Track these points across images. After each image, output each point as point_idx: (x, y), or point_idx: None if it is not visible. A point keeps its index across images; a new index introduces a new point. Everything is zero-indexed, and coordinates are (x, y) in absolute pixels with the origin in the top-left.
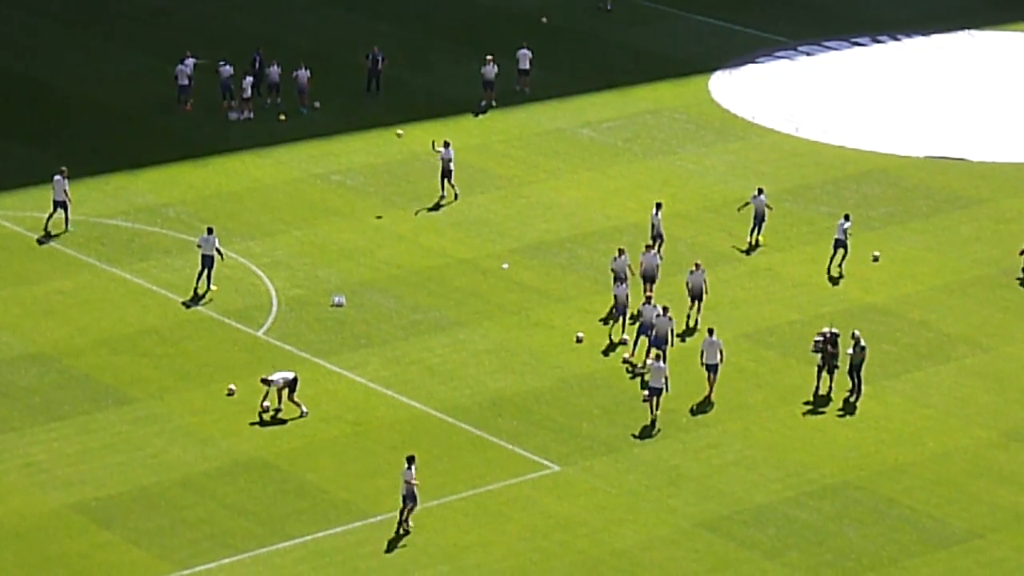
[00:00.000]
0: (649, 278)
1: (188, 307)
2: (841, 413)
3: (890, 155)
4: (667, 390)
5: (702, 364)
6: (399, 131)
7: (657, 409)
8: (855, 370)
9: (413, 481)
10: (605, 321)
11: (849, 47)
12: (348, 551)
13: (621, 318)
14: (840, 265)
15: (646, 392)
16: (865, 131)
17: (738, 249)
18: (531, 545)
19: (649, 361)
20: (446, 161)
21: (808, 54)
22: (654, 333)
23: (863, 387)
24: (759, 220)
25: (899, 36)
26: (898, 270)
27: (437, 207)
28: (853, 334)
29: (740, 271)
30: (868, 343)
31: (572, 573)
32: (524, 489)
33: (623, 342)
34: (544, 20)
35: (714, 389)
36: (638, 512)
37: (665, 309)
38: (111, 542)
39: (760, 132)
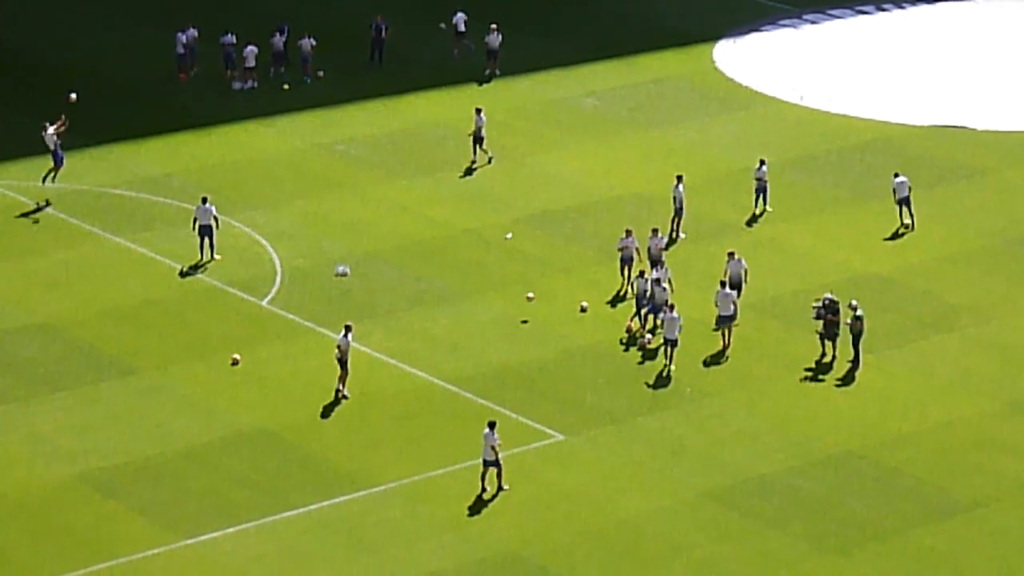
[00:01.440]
0: (655, 261)
1: (184, 276)
2: (843, 383)
3: (895, 124)
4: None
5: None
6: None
7: (671, 362)
8: (854, 340)
9: (497, 444)
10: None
11: (854, 15)
12: (352, 521)
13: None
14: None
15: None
16: (870, 100)
17: (742, 220)
18: (535, 515)
19: (663, 315)
20: (478, 127)
21: (813, 23)
22: (650, 303)
23: (861, 357)
24: (762, 191)
25: (904, 4)
26: (902, 240)
27: (470, 171)
28: (851, 304)
29: (744, 241)
30: (871, 313)
31: (576, 543)
32: (528, 459)
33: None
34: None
35: (731, 342)
36: (642, 482)
37: (657, 280)
38: (115, 512)
39: (764, 101)
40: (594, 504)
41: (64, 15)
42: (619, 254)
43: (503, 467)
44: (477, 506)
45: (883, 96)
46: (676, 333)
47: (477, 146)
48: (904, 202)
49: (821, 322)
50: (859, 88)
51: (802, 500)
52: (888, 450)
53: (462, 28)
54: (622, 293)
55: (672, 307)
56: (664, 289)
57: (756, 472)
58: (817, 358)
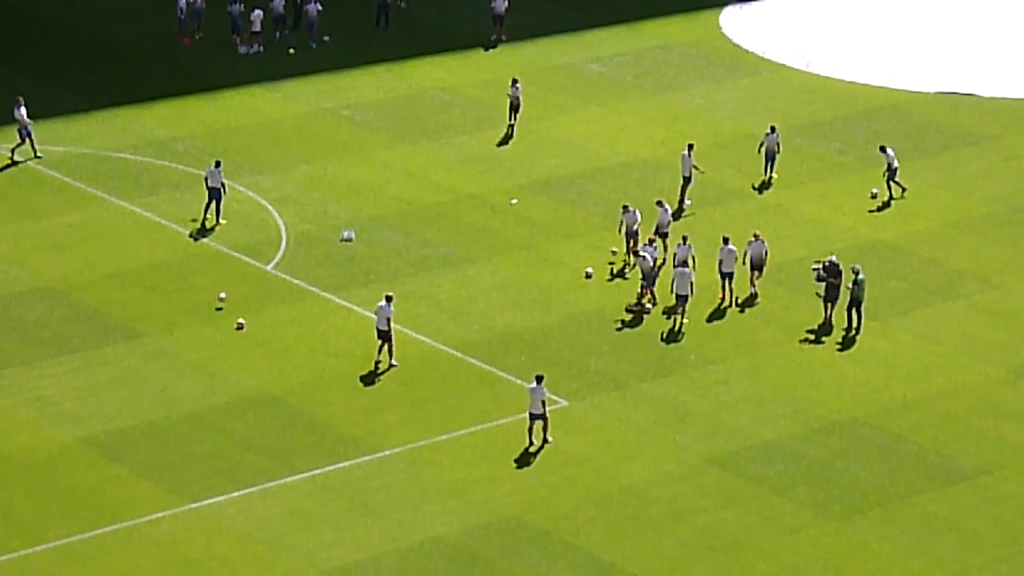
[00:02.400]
0: (662, 235)
1: (196, 239)
2: (847, 349)
3: (901, 91)
4: (692, 294)
5: (720, 272)
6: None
7: (684, 316)
8: (855, 305)
9: (546, 397)
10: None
11: None
12: (356, 485)
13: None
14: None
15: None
16: (876, 66)
17: (748, 185)
18: (539, 480)
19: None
20: (515, 98)
21: None
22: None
23: (862, 322)
24: (771, 158)
25: None
26: (907, 207)
27: (507, 140)
28: (853, 268)
29: (749, 207)
30: (877, 280)
31: (580, 508)
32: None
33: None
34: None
35: (732, 296)
36: (646, 448)
37: (651, 241)
38: (120, 475)
39: (771, 67)
40: (598, 469)
41: None
42: (622, 227)
43: (549, 420)
44: (481, 471)
45: (890, 62)
46: (688, 288)
47: (514, 114)
48: (893, 173)
49: (823, 284)
50: (866, 54)
51: (806, 466)
52: (893, 416)
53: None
54: (628, 266)
55: (684, 263)
56: (644, 258)
57: (760, 438)
58: (821, 322)
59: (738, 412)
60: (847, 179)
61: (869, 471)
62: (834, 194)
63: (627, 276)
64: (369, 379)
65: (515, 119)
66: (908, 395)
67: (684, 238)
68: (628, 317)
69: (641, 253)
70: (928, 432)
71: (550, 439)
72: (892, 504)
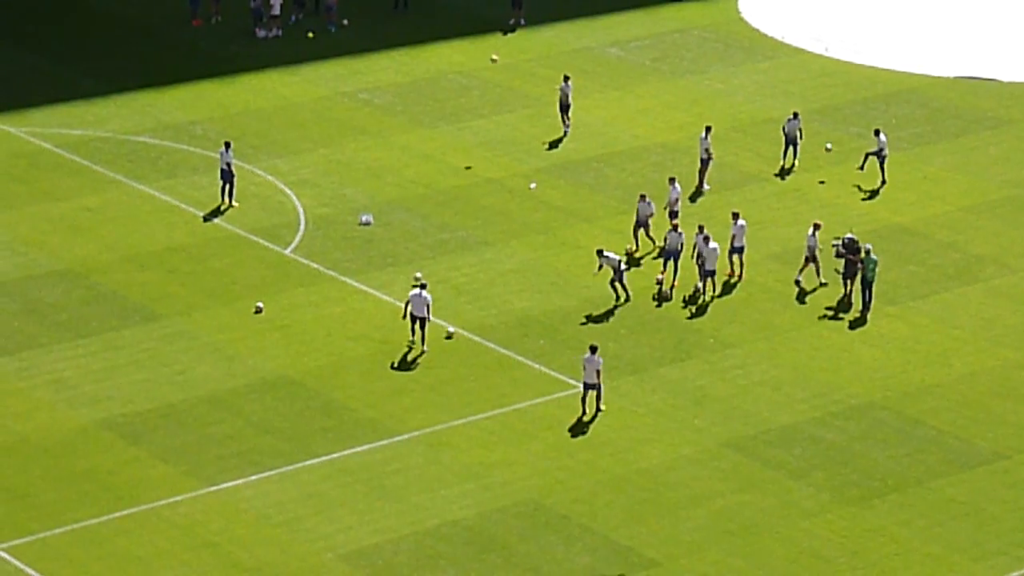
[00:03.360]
0: (672, 213)
1: (211, 223)
2: (865, 333)
3: (920, 75)
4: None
5: (731, 248)
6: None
7: (715, 290)
8: (866, 285)
9: (600, 366)
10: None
11: None
12: (374, 469)
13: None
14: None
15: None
16: (895, 51)
17: (767, 170)
18: (556, 464)
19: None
20: (565, 95)
21: None
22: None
23: (872, 301)
24: (792, 143)
25: None
26: (926, 190)
27: (557, 143)
28: (865, 248)
29: (768, 191)
30: (895, 264)
31: (597, 492)
32: (550, 408)
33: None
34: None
35: (743, 271)
36: (664, 431)
37: (675, 227)
38: (139, 458)
39: (789, 52)
40: (615, 453)
41: None
42: (636, 216)
43: (603, 389)
44: (498, 454)
45: (909, 47)
46: (715, 264)
47: (564, 115)
48: (881, 158)
49: (842, 261)
50: (885, 39)
51: (824, 450)
52: (911, 401)
53: None
54: (636, 253)
55: (708, 239)
56: (680, 234)
57: (778, 422)
58: (840, 298)
59: (756, 396)
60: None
61: (887, 455)
62: (852, 178)
63: (641, 264)
64: (387, 362)
65: (567, 118)
66: (926, 379)
67: (700, 227)
68: (650, 299)
69: (606, 253)
70: (946, 416)
71: (603, 407)
72: (910, 488)
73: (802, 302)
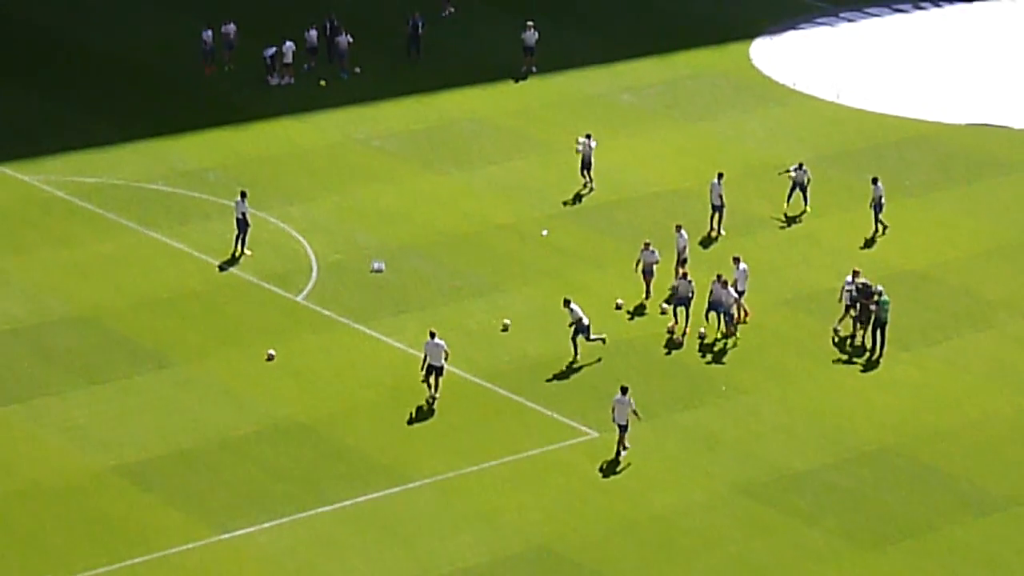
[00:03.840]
0: (681, 262)
1: (223, 270)
2: (877, 378)
3: (931, 122)
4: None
5: (735, 292)
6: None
7: (735, 332)
8: (879, 327)
9: (635, 407)
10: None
11: (891, 13)
12: (386, 514)
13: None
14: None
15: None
16: (906, 98)
17: (778, 215)
18: (569, 509)
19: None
20: (587, 152)
21: (850, 20)
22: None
23: (885, 344)
24: (799, 189)
25: (941, 3)
26: (938, 236)
27: (578, 198)
28: (877, 289)
29: (780, 237)
30: (907, 309)
31: (610, 538)
32: (562, 454)
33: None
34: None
35: (746, 315)
36: (676, 477)
37: (684, 275)
38: (151, 504)
39: (801, 98)
40: (628, 498)
41: (105, 6)
42: (639, 265)
43: (629, 428)
44: (510, 500)
45: (920, 94)
46: (732, 308)
47: (586, 171)
48: (878, 208)
49: (857, 305)
50: (896, 86)
51: (836, 495)
52: (924, 446)
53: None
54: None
55: (725, 283)
56: (690, 282)
57: (790, 467)
58: (853, 342)
59: (768, 441)
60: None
61: (900, 500)
62: (864, 223)
63: (646, 312)
64: (399, 408)
65: (589, 176)
66: (939, 424)
67: (719, 275)
68: (661, 345)
69: (572, 305)
70: (959, 461)
71: (627, 445)
72: (923, 534)
73: (814, 347)
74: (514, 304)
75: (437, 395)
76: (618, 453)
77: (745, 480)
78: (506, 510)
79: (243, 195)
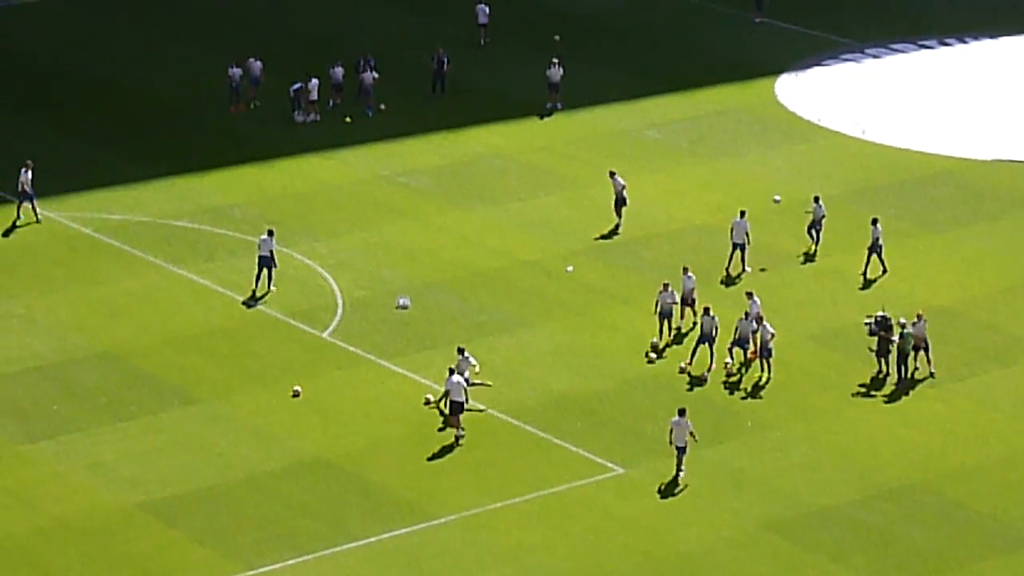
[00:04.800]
0: (689, 303)
1: (249, 306)
2: (905, 414)
3: (957, 158)
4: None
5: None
6: (569, 268)
7: (770, 371)
8: (903, 359)
9: (691, 428)
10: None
11: (916, 49)
12: (412, 551)
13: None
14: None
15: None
16: (932, 133)
17: (803, 251)
18: (595, 547)
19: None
20: (618, 190)
21: (875, 56)
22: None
23: (907, 375)
24: (813, 225)
25: (966, 39)
26: (964, 272)
27: (613, 233)
28: (899, 321)
29: (806, 273)
30: (934, 345)
31: (635, 575)
32: (588, 491)
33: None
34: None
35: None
36: (702, 514)
37: (706, 310)
38: (177, 541)
39: (826, 134)
40: (654, 535)
41: (131, 44)
42: (658, 306)
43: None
44: (536, 537)
45: (945, 129)
46: (770, 343)
47: (620, 208)
48: (876, 249)
49: (875, 339)
50: (921, 121)
51: (864, 533)
52: (951, 483)
53: (483, 20)
54: (661, 346)
55: (761, 318)
56: (713, 318)
57: (817, 504)
58: (874, 376)
59: (795, 478)
60: (903, 244)
61: (927, 538)
62: (890, 259)
63: (664, 355)
64: (424, 444)
65: (621, 213)
66: (966, 461)
67: (746, 313)
68: (686, 381)
69: (467, 354)
70: (987, 499)
71: (683, 468)
72: (951, 571)
73: (840, 383)
74: (539, 340)
75: (462, 431)
76: (676, 475)
77: (771, 516)
78: (532, 547)
79: (271, 233)
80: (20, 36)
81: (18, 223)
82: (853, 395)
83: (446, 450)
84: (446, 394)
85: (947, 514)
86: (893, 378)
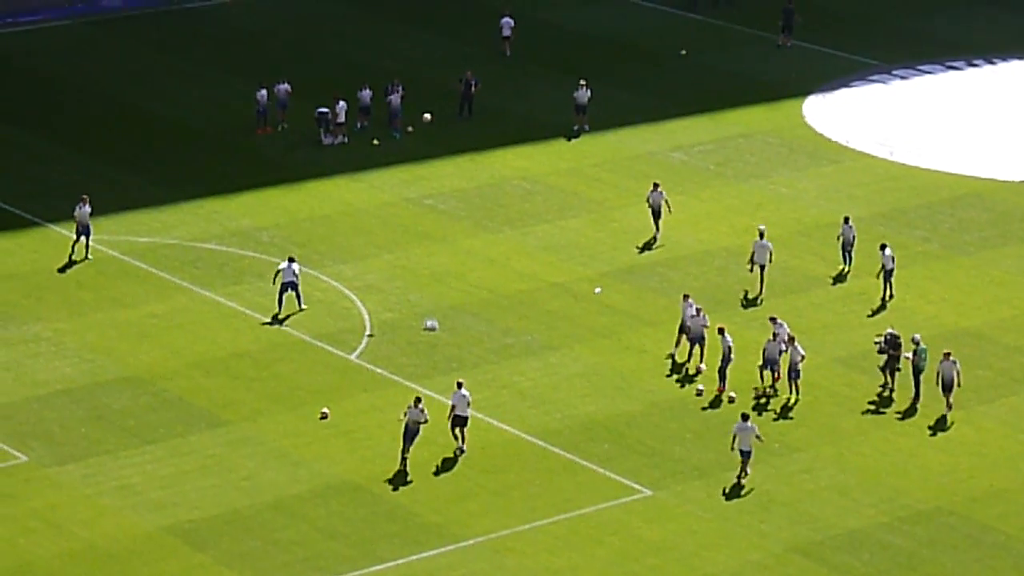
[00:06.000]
0: (685, 331)
1: (274, 324)
2: (934, 436)
3: (985, 179)
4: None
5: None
6: (597, 288)
7: (799, 393)
8: (916, 375)
9: (757, 431)
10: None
11: (944, 71)
12: (439, 574)
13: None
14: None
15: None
16: (960, 155)
17: (831, 274)
18: (622, 569)
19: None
20: (656, 203)
21: (902, 78)
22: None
23: (921, 392)
24: (847, 248)
25: (994, 60)
26: (993, 294)
27: (650, 244)
28: (913, 338)
29: (833, 295)
30: (963, 368)
31: None
32: (616, 513)
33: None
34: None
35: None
36: (730, 537)
37: (720, 330)
38: (204, 564)
39: (854, 156)
40: (682, 558)
41: (157, 69)
42: (689, 330)
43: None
44: (564, 560)
45: (974, 151)
46: (799, 364)
47: (658, 220)
48: (888, 275)
49: (884, 357)
50: (950, 143)
51: (892, 556)
52: (979, 506)
53: (507, 32)
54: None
55: (793, 339)
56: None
57: (845, 527)
58: (880, 392)
59: (822, 501)
60: (931, 267)
61: (956, 561)
62: (918, 282)
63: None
64: (451, 467)
65: (658, 226)
66: (995, 484)
67: (774, 334)
68: (715, 402)
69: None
70: (1016, 522)
71: (749, 470)
72: None
73: (868, 406)
74: (566, 363)
75: (464, 447)
76: (740, 478)
77: (799, 540)
78: (559, 570)
79: (291, 260)
80: (46, 59)
81: (73, 257)
82: (881, 417)
83: (473, 472)
84: (452, 409)
85: (976, 537)
86: (910, 393)
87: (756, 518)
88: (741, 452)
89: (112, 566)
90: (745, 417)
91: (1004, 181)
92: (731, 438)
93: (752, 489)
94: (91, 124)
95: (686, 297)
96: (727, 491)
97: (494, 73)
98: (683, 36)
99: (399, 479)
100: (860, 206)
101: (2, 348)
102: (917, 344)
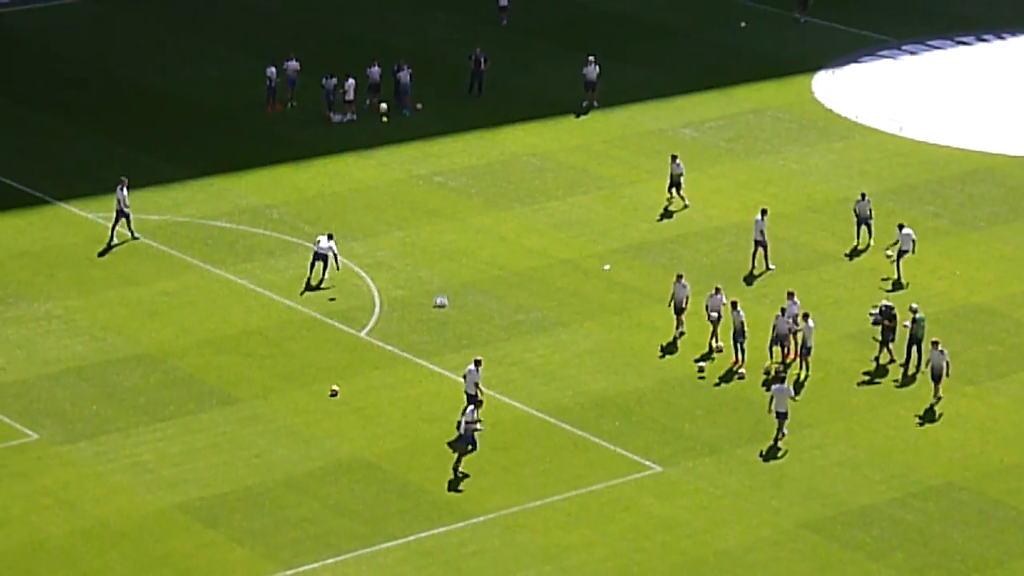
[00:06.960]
0: (678, 311)
1: (304, 293)
2: (943, 413)
3: (995, 154)
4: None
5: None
6: (607, 265)
7: (809, 369)
8: (915, 343)
9: (791, 393)
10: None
11: (953, 46)
12: (450, 551)
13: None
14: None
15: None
16: (970, 130)
17: (842, 250)
18: (633, 546)
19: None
20: (677, 174)
21: (912, 53)
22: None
23: (921, 360)
24: (864, 223)
25: (1004, 35)
26: (1003, 269)
27: (667, 214)
28: (910, 307)
29: (843, 271)
30: (973, 344)
31: (674, 574)
32: (626, 490)
33: (719, 350)
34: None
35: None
36: (741, 513)
37: (734, 304)
38: (215, 541)
39: (863, 132)
40: (693, 535)
41: (168, 47)
42: (706, 313)
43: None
44: (574, 537)
45: (983, 126)
46: (811, 341)
47: (675, 190)
48: (900, 255)
49: (879, 328)
50: (959, 118)
51: (903, 531)
52: (990, 481)
53: (504, 2)
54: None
55: (807, 316)
56: (740, 312)
57: (856, 503)
58: (876, 360)
59: (833, 477)
60: (941, 242)
61: (967, 536)
62: (928, 257)
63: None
64: None
65: (676, 195)
66: (1005, 459)
67: (782, 310)
68: (726, 379)
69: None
70: None
71: (786, 431)
72: (990, 569)
73: (879, 382)
74: (576, 340)
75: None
76: (777, 440)
77: (810, 516)
78: (570, 546)
79: (330, 237)
80: (57, 37)
81: (113, 243)
82: (892, 393)
83: (484, 449)
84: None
85: (986, 512)
86: (914, 361)
87: (767, 494)
88: (777, 414)
89: (123, 543)
90: (782, 379)
91: (1014, 156)
92: (768, 400)
93: (766, 462)
94: (101, 102)
95: (679, 277)
96: (742, 464)
97: (503, 51)
98: (693, 11)
99: (409, 456)
100: (870, 182)
101: (13, 326)
102: (915, 312)
